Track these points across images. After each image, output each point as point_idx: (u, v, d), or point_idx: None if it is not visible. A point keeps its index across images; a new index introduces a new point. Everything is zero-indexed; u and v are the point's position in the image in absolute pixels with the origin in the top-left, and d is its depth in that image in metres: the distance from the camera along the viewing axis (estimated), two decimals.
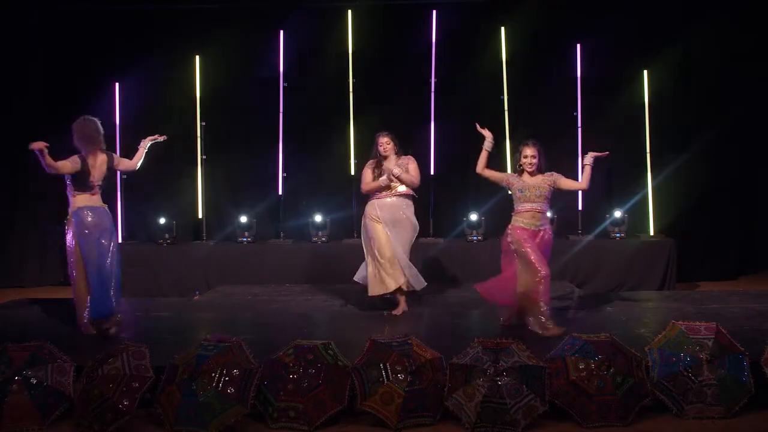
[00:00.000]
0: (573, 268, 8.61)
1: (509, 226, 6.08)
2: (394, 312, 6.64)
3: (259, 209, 9.24)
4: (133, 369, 4.56)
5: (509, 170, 9.14)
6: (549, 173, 6.15)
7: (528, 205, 6.02)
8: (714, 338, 4.70)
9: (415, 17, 9.37)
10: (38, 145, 5.86)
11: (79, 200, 6.15)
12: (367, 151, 6.95)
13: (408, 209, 6.71)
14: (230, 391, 4.46)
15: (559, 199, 9.06)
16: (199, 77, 9.24)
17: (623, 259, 8.65)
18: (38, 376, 4.61)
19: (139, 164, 6.56)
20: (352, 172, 9.04)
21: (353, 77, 9.17)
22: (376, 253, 6.57)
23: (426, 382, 4.57)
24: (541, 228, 6.05)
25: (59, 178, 6.53)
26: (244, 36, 9.36)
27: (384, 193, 6.65)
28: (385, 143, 6.68)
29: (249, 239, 8.99)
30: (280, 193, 9.28)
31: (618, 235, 8.87)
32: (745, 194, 9.54)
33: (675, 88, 9.23)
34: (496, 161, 9.22)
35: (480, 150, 6.46)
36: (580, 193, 9.16)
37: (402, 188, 6.66)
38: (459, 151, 9.45)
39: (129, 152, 9.14)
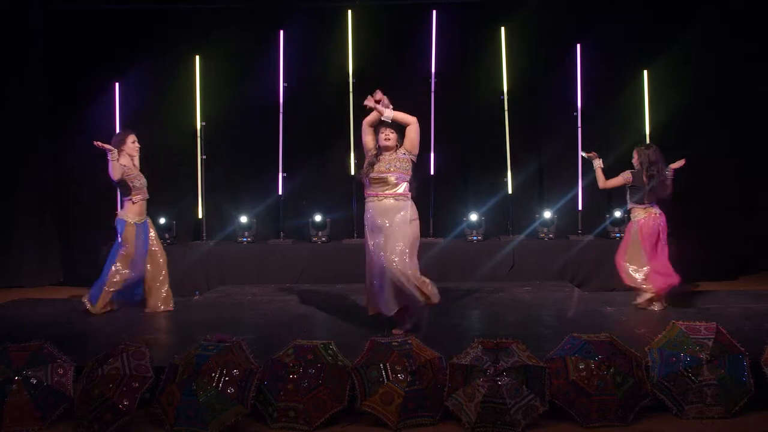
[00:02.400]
0: (573, 268, 8.61)
1: (661, 214, 6.93)
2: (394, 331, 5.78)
3: (259, 209, 9.25)
4: (133, 369, 4.56)
5: (509, 171, 9.19)
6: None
7: None
8: (714, 338, 4.70)
9: (415, 17, 9.38)
10: None
11: None
12: None
13: (406, 214, 5.81)
14: (230, 391, 4.46)
15: (559, 199, 9.11)
16: (199, 77, 9.24)
17: None
18: (38, 376, 4.61)
19: (112, 172, 6.86)
20: (352, 172, 9.05)
21: (353, 77, 9.18)
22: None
23: (426, 382, 4.57)
24: None
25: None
26: (244, 36, 9.36)
27: (373, 192, 5.85)
28: (389, 132, 5.89)
29: (249, 239, 9.00)
30: (280, 193, 9.27)
31: (618, 235, 8.85)
32: (744, 194, 9.53)
33: (675, 88, 9.23)
34: (497, 160, 9.28)
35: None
36: (580, 192, 9.19)
37: (398, 189, 5.83)
38: (459, 151, 9.48)
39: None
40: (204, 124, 9.18)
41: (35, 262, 9.53)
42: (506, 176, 9.18)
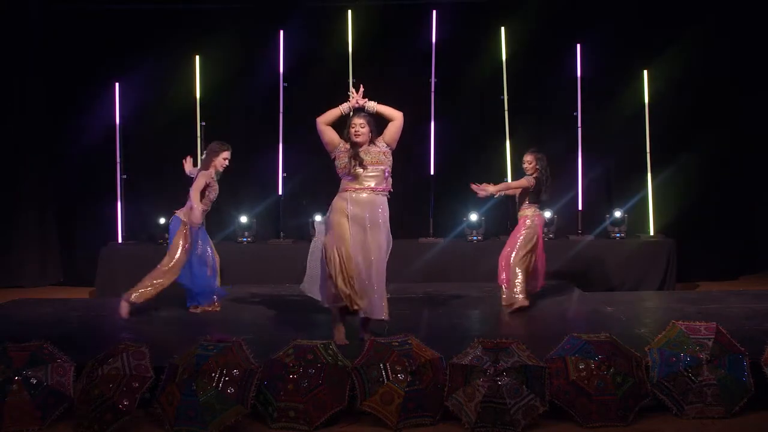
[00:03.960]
0: (573, 268, 8.60)
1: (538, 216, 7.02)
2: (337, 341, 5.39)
3: (259, 209, 9.24)
4: (133, 369, 4.56)
5: (509, 171, 9.18)
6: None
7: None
8: (714, 338, 4.70)
9: (415, 17, 9.37)
10: None
11: None
12: None
13: (384, 212, 5.55)
14: (230, 391, 4.46)
15: (559, 199, 9.10)
16: (199, 77, 9.24)
17: (623, 259, 8.65)
18: (38, 376, 4.61)
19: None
20: None
21: (353, 77, 9.17)
22: (335, 255, 5.43)
23: (426, 382, 4.57)
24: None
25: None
26: (244, 36, 9.36)
27: (356, 185, 5.51)
28: (359, 125, 5.49)
29: (249, 239, 8.99)
30: (280, 193, 9.27)
31: (618, 235, 8.87)
32: (744, 194, 9.54)
33: (675, 88, 9.23)
34: (497, 160, 9.27)
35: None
36: (580, 192, 9.20)
37: (386, 183, 5.58)
38: (459, 151, 9.47)
39: (129, 151, 9.22)
40: (204, 124, 9.18)
41: (35, 262, 9.53)
42: (506, 176, 9.18)
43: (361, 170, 5.48)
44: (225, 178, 9.62)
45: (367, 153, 5.51)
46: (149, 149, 9.34)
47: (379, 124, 5.65)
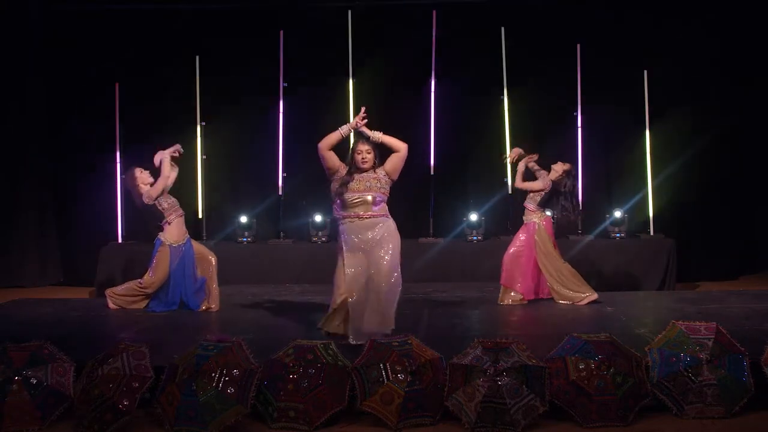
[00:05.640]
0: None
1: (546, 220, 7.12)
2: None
3: (259, 209, 9.25)
4: (133, 369, 4.56)
5: (509, 172, 9.18)
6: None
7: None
8: (714, 338, 4.69)
9: (415, 17, 9.38)
10: None
11: None
12: None
13: (386, 226, 5.56)
14: (230, 391, 4.45)
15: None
16: (199, 77, 9.24)
17: (623, 259, 8.65)
18: (38, 376, 4.61)
19: (165, 179, 6.90)
20: None
21: (353, 77, 9.18)
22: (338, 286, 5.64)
23: (426, 382, 4.57)
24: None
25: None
26: (244, 36, 9.36)
27: (353, 212, 5.56)
28: (365, 152, 5.55)
29: (249, 239, 9.00)
30: (280, 193, 9.28)
31: (618, 235, 8.87)
32: (744, 194, 9.54)
33: (675, 88, 9.23)
34: (497, 160, 9.27)
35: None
36: (580, 192, 9.18)
37: (377, 208, 5.57)
38: (459, 150, 9.48)
39: (129, 151, 9.22)
40: (204, 124, 9.18)
41: (35, 262, 9.54)
42: (506, 176, 9.18)
43: (348, 197, 5.52)
44: (225, 178, 9.72)
45: (363, 180, 5.56)
46: (149, 149, 9.33)
47: (382, 153, 5.68)
